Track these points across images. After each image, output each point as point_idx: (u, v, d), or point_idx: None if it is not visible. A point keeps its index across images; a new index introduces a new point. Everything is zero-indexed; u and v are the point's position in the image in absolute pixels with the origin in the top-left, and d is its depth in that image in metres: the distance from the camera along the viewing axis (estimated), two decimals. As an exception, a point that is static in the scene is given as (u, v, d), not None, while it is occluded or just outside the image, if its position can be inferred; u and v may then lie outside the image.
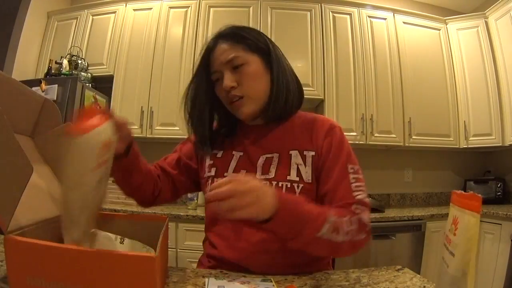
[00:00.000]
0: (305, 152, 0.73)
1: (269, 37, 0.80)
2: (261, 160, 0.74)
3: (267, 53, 0.77)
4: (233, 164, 0.77)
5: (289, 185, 0.70)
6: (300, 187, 0.70)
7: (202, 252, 0.84)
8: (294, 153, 0.73)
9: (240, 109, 0.75)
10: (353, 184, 0.69)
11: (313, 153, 0.73)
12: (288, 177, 0.71)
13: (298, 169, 0.72)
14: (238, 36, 0.75)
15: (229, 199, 0.50)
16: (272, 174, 0.72)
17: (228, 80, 0.72)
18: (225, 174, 0.76)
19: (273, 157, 0.74)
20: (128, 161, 0.68)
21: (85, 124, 0.48)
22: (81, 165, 0.48)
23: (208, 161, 0.81)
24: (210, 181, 0.78)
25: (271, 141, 0.77)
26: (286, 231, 0.57)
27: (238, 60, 0.73)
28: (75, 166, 0.47)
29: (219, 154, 0.80)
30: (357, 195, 0.68)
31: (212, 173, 0.78)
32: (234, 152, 0.78)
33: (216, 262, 0.75)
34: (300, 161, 0.72)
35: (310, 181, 0.71)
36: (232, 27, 0.78)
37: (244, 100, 0.74)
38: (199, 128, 0.79)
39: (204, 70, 0.78)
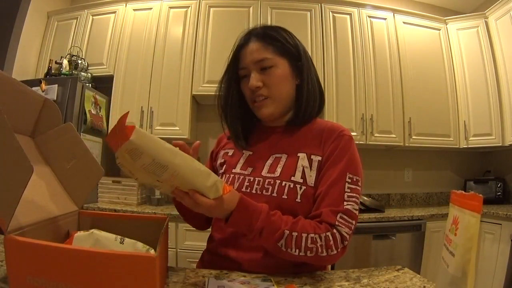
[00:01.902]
0: (312, 156, 0.74)
1: (298, 39, 0.81)
2: (270, 160, 0.76)
3: (297, 58, 0.78)
4: (241, 161, 0.79)
5: (291, 186, 0.70)
6: (302, 189, 0.70)
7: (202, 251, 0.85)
8: (302, 155, 0.74)
9: (261, 109, 0.77)
10: (346, 193, 0.68)
11: (319, 158, 0.73)
12: (292, 178, 0.71)
13: (303, 172, 0.72)
14: (269, 37, 0.77)
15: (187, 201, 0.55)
16: (277, 173, 0.73)
17: (254, 79, 0.75)
18: (233, 170, 0.79)
19: (281, 157, 0.75)
20: None
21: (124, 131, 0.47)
22: (155, 146, 0.48)
23: (220, 160, 0.84)
24: (220, 178, 0.80)
25: (284, 143, 0.78)
26: (242, 232, 0.63)
27: (267, 62, 0.75)
28: (153, 152, 0.48)
29: (230, 153, 0.83)
30: (347, 205, 0.67)
31: (222, 170, 0.82)
32: (244, 151, 0.81)
33: (213, 256, 0.77)
34: (306, 163, 0.73)
35: (312, 185, 0.71)
36: (265, 27, 0.80)
37: (268, 101, 0.76)
38: (233, 123, 0.82)
39: (234, 66, 0.80)
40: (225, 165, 0.82)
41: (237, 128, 0.82)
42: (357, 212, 0.69)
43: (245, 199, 0.62)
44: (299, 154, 0.74)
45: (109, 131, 0.47)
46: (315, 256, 0.63)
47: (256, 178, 0.74)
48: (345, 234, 0.65)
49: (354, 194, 0.69)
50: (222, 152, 0.86)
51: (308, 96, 0.78)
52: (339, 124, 0.79)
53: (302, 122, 0.79)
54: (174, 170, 0.50)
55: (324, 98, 0.84)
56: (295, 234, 0.63)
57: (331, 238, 0.64)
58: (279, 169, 0.73)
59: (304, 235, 0.63)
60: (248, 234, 0.63)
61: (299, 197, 0.70)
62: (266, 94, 0.76)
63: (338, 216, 0.66)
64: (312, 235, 0.63)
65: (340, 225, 0.65)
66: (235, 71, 0.80)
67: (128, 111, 0.51)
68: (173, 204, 0.77)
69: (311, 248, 0.63)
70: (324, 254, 0.63)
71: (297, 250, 0.62)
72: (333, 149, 0.73)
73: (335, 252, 0.64)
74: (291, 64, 0.78)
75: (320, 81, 0.84)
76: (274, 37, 0.77)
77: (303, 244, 0.62)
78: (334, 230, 0.65)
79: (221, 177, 0.81)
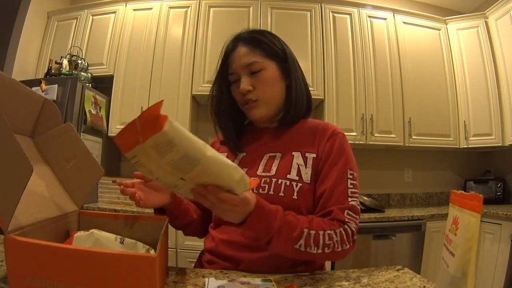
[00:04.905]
0: (306, 154, 0.75)
1: (284, 42, 0.83)
2: (264, 159, 0.77)
3: (284, 59, 0.80)
4: (235, 163, 0.78)
5: (288, 183, 0.71)
6: (298, 186, 0.71)
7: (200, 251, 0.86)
8: (296, 154, 0.75)
9: (252, 111, 0.79)
10: (350, 190, 0.71)
11: (314, 155, 0.75)
12: (288, 176, 0.72)
13: (298, 169, 0.73)
14: (256, 40, 0.79)
15: (211, 199, 0.52)
16: (273, 172, 0.74)
17: (245, 84, 0.77)
18: None
19: (275, 156, 0.77)
20: (172, 208, 0.75)
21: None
22: (188, 139, 0.43)
23: None
24: None
25: (277, 143, 0.80)
26: (258, 235, 0.61)
27: (257, 66, 0.77)
28: (187, 145, 0.43)
29: (224, 156, 0.83)
30: (351, 201, 0.70)
31: None
32: (237, 153, 0.82)
33: (212, 256, 0.76)
34: (301, 161, 0.74)
35: (309, 182, 0.73)
36: (251, 31, 0.82)
37: (258, 103, 0.78)
38: (226, 128, 0.84)
39: (223, 72, 0.82)
40: None
41: (230, 133, 0.84)
42: (359, 207, 0.72)
43: (260, 199, 0.61)
44: (293, 153, 0.76)
45: (121, 129, 0.42)
46: (332, 252, 0.65)
47: (252, 178, 0.74)
48: (354, 229, 0.68)
49: (356, 190, 0.72)
50: None
51: (297, 96, 0.80)
52: (331, 123, 0.82)
53: (291, 122, 0.81)
54: (205, 164, 0.45)
55: (311, 96, 0.86)
56: (312, 232, 0.64)
57: (344, 233, 0.66)
58: (274, 168, 0.74)
59: (321, 232, 0.64)
60: (265, 236, 0.60)
61: (295, 194, 0.71)
62: (256, 97, 0.77)
63: (345, 212, 0.69)
64: (329, 231, 0.65)
65: (349, 221, 0.68)
66: (225, 77, 0.82)
67: (163, 100, 0.43)
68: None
69: (328, 245, 0.64)
70: (340, 249, 0.65)
71: (315, 248, 0.63)
72: (329, 148, 0.75)
73: (348, 246, 0.67)
74: (279, 66, 0.80)
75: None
76: (261, 40, 0.79)
77: (321, 241, 0.64)
78: (346, 226, 0.67)
79: None
